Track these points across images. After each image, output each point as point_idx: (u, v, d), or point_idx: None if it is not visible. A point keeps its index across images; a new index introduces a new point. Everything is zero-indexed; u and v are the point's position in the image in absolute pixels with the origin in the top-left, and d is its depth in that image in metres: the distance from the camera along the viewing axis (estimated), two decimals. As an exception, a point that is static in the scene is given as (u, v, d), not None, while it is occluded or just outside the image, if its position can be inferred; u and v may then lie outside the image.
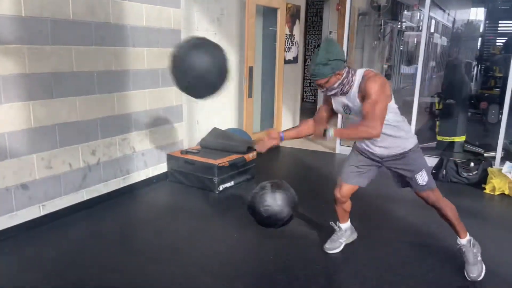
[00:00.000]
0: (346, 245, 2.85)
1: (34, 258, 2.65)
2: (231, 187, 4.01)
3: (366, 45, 10.29)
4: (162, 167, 4.16)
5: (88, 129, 3.34)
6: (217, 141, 4.35)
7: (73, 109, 3.19)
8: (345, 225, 2.82)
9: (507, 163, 4.12)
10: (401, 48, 12.94)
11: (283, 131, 2.51)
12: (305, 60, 9.63)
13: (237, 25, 4.98)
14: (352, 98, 2.23)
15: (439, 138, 5.57)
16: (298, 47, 6.51)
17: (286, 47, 6.12)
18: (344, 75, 2.18)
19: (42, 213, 3.08)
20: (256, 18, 5.09)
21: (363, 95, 2.15)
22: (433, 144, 5.62)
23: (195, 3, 4.28)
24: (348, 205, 2.74)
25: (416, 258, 2.74)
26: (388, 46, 12.23)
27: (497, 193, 3.99)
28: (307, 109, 8.30)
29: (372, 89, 2.10)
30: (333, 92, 2.24)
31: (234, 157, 4.07)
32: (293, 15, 6.15)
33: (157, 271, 2.52)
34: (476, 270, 2.45)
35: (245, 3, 4.76)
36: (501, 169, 4.11)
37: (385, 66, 11.97)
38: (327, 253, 2.76)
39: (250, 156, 4.23)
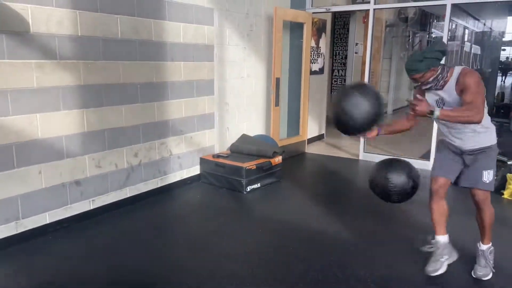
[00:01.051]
0: (356, 241, 3.11)
1: (85, 246, 3.07)
2: (258, 188, 4.35)
3: (394, 56, 10.46)
4: (195, 170, 4.55)
5: (132, 133, 3.77)
6: (246, 146, 4.70)
7: (120, 116, 3.63)
8: (443, 238, 2.70)
9: (525, 170, 4.24)
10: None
11: (380, 126, 2.65)
12: (332, 71, 9.92)
13: (265, 39, 5.35)
14: (449, 91, 2.41)
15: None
16: (324, 58, 6.80)
17: (312, 58, 6.44)
18: (439, 72, 2.38)
19: (92, 207, 3.52)
20: (284, 32, 5.45)
21: (462, 88, 2.33)
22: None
23: (227, 21, 4.69)
24: (444, 206, 2.68)
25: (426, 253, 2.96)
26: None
27: (515, 198, 4.12)
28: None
29: (472, 82, 2.29)
30: (428, 86, 2.43)
31: (261, 161, 4.41)
32: (319, 29, 6.46)
33: (189, 259, 2.88)
34: (484, 271, 2.64)
35: (273, 19, 5.13)
36: (519, 176, 4.23)
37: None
38: (356, 251, 2.98)
39: (276, 160, 4.55)
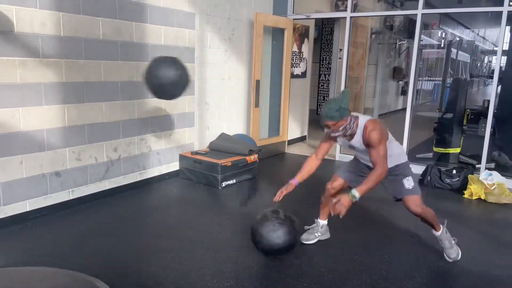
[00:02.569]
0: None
1: (63, 233, 3.27)
2: (233, 184, 4.57)
3: (380, 62, 10.74)
4: (174, 165, 4.77)
5: (112, 129, 3.98)
6: (224, 144, 4.93)
7: (100, 112, 3.85)
8: (323, 222, 3.23)
9: (485, 171, 4.49)
10: (419, 65, 13.21)
11: (295, 178, 2.90)
12: (319, 76, 10.17)
13: (247, 43, 5.59)
14: (357, 143, 2.71)
15: (435, 149, 5.95)
16: (306, 63, 7.05)
17: (295, 63, 6.68)
18: (348, 121, 2.62)
19: (71, 197, 3.73)
20: (266, 36, 5.69)
21: (367, 144, 2.64)
22: (430, 155, 6.01)
23: (208, 25, 4.92)
24: (329, 201, 2.92)
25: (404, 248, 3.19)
26: (404, 63, 12.61)
27: (474, 197, 4.36)
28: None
29: (375, 140, 2.59)
30: (337, 134, 2.66)
31: (236, 158, 4.63)
32: (301, 34, 6.72)
33: (161, 244, 3.09)
34: (454, 252, 2.91)
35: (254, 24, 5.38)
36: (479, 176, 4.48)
37: (401, 83, 12.35)
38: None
39: (252, 158, 4.78)
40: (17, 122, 3.24)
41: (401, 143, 5.49)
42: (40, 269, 2.13)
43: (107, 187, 4.03)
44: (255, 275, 2.69)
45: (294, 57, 6.65)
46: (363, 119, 2.68)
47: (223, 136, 5.13)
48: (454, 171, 4.62)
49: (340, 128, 2.62)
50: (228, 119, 5.46)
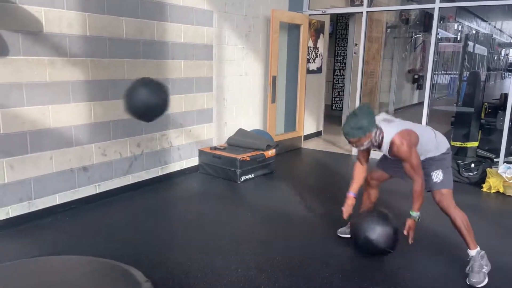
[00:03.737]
0: (337, 225, 3.41)
1: (91, 226, 3.41)
2: (251, 178, 4.66)
3: (396, 56, 10.69)
4: (194, 160, 4.88)
5: (135, 126, 4.11)
6: (242, 140, 5.02)
7: (123, 109, 3.97)
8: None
9: (504, 164, 4.49)
10: (435, 59, 13.10)
11: (350, 191, 2.94)
12: (334, 71, 10.18)
13: (264, 39, 5.66)
14: (385, 152, 2.66)
15: (452, 143, 5.94)
16: (322, 58, 7.09)
17: (310, 58, 6.73)
18: (372, 137, 2.54)
19: (98, 191, 3.87)
20: (282, 32, 5.75)
21: (397, 157, 2.60)
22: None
23: (226, 22, 5.01)
24: (374, 193, 3.11)
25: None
26: (420, 56, 12.52)
27: (493, 191, 4.37)
28: (336, 117, 8.83)
29: (404, 154, 2.53)
30: (362, 148, 2.63)
31: (254, 153, 4.72)
32: (317, 30, 6.75)
33: (183, 236, 3.21)
34: (477, 278, 2.59)
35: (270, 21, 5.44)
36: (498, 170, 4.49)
37: (417, 77, 12.27)
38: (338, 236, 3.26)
39: (269, 153, 4.86)
40: (47, 119, 3.38)
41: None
42: (75, 257, 2.24)
43: (131, 182, 4.17)
44: (277, 266, 2.78)
45: (310, 52, 6.70)
46: (389, 133, 2.58)
47: (241, 132, 5.23)
48: (473, 165, 4.63)
49: (365, 143, 2.56)
50: (245, 115, 5.55)
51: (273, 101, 5.71)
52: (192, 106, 4.73)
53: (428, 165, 2.73)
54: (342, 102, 9.74)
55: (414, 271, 2.78)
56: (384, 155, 2.94)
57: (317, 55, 6.93)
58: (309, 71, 6.72)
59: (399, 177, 2.92)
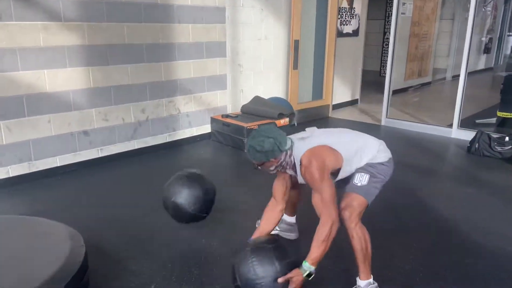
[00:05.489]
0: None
1: (90, 186, 3.51)
2: (260, 147, 4.51)
3: (457, 16, 9.61)
4: (206, 128, 4.82)
5: (138, 91, 4.11)
6: (256, 108, 4.84)
7: (125, 74, 3.97)
8: (290, 219, 2.67)
9: (546, 139, 3.87)
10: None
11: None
12: (384, 34, 9.42)
13: (286, 0, 5.32)
14: (299, 176, 2.10)
15: (498, 113, 5.27)
16: (359, 20, 6.55)
17: (344, 20, 6.25)
18: (281, 160, 2.01)
19: (100, 155, 3.96)
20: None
21: (306, 180, 2.04)
22: (493, 120, 5.35)
23: (240, -18, 4.75)
24: (295, 195, 2.47)
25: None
26: (491, 16, 11.14)
27: (529, 169, 3.82)
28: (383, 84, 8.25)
29: (311, 179, 1.98)
30: (273, 172, 2.08)
31: (265, 121, 4.53)
32: (353, -12, 6.22)
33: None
34: None
35: (292, -21, 5.08)
36: (539, 145, 3.88)
37: (484, 39, 10.98)
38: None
39: (282, 122, 4.64)
40: (43, 84, 3.47)
41: (453, 110, 4.96)
42: (30, 218, 2.30)
43: (136, 147, 4.22)
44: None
45: (344, 14, 6.21)
46: (299, 152, 2.02)
47: (256, 99, 5.04)
48: (507, 138, 4.06)
49: (271, 168, 2.03)
50: (264, 82, 5.33)
51: (295, 67, 5.41)
52: (203, 72, 4.62)
53: (357, 170, 2.13)
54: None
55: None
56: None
57: (353, 16, 6.41)
58: (342, 34, 6.26)
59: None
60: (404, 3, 7.84)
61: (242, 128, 4.38)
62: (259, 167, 2.04)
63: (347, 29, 6.36)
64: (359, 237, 2.00)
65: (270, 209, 2.31)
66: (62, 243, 1.99)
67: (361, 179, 2.07)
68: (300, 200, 2.54)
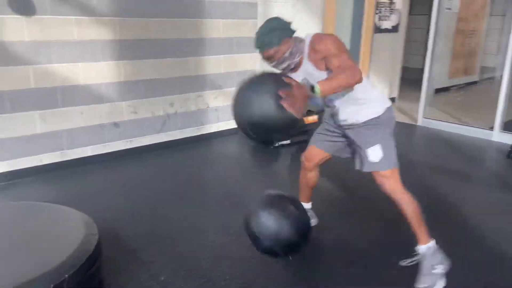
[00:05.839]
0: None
1: (120, 176, 3.64)
2: (287, 144, 4.46)
3: (509, 12, 9.02)
4: (234, 123, 4.82)
5: (167, 85, 4.18)
6: (285, 104, 4.79)
7: (155, 68, 4.06)
8: (306, 205, 2.54)
9: None
10: None
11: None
12: (428, 30, 9.00)
13: (321, -5, 5.21)
14: (308, 69, 2.01)
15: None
16: (399, 15, 6.30)
17: (383, 15, 6.04)
18: (292, 44, 1.98)
19: (129, 146, 4.08)
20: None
21: (320, 57, 1.94)
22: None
23: (273, -24, 4.70)
24: (312, 178, 2.48)
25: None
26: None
27: None
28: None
29: (328, 45, 1.91)
30: (285, 65, 2.01)
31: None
32: (393, -18, 5.98)
33: (207, 196, 3.27)
34: (425, 281, 2.04)
35: (328, -27, 4.96)
36: None
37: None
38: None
39: (310, 119, 4.56)
40: (76, 76, 3.61)
41: (495, 108, 4.67)
42: (50, 205, 2.39)
43: (164, 140, 4.30)
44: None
45: (383, 8, 6.00)
46: (309, 36, 2.00)
47: (286, 95, 4.98)
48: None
49: (287, 54, 1.96)
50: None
51: (328, 63, 5.29)
52: (233, 67, 4.63)
53: (359, 137, 2.10)
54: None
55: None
56: (321, 129, 2.36)
57: (392, 12, 6.17)
58: (380, 30, 6.05)
59: (343, 155, 2.34)
60: (449, -3, 7.47)
61: (269, 124, 4.35)
62: (270, 61, 2.00)
63: (386, 24, 6.14)
64: (409, 204, 2.05)
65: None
66: (76, 231, 2.06)
67: (375, 154, 2.04)
68: (315, 185, 2.55)
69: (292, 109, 1.72)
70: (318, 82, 1.80)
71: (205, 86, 4.47)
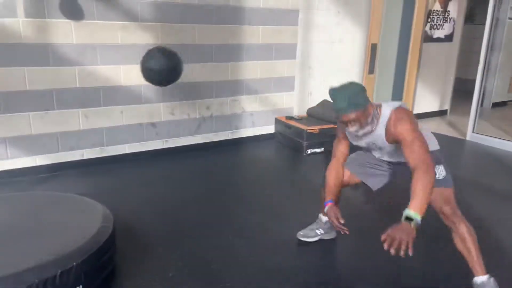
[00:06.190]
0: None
1: (150, 176, 3.79)
2: (320, 152, 4.41)
3: None
4: (270, 128, 4.86)
5: (204, 89, 4.31)
6: (321, 111, 4.74)
7: (193, 72, 4.19)
8: (326, 218, 2.50)
9: None
10: None
11: (328, 199, 2.28)
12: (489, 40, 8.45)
13: (367, 2, 5.10)
14: (378, 138, 2.09)
15: None
16: (454, 24, 6.00)
17: (436, 24, 5.78)
18: (370, 111, 2.02)
19: (165, 146, 4.25)
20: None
21: (395, 139, 2.01)
22: None
23: (316, -16, 4.69)
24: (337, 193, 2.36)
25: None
26: None
27: None
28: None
29: (404, 132, 1.94)
30: (365, 130, 2.04)
31: (328, 126, 4.42)
32: (448, -10, 5.72)
33: (229, 198, 3.33)
34: None
35: (374, -20, 4.86)
36: None
37: None
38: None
39: (346, 128, 4.47)
40: (118, 78, 3.84)
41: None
42: (73, 196, 2.56)
43: (199, 141, 4.43)
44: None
45: (436, 17, 5.75)
46: (386, 109, 2.03)
47: (323, 103, 4.92)
48: None
49: (369, 120, 2.00)
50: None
51: (371, 71, 5.17)
52: (270, 73, 4.66)
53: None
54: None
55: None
56: (358, 153, 2.40)
57: (446, 20, 5.89)
58: (432, 39, 5.80)
59: (373, 185, 2.36)
60: (513, 6, 6.98)
61: (302, 131, 4.33)
62: (352, 124, 1.99)
63: (439, 33, 5.87)
64: (468, 229, 1.99)
65: (334, 167, 2.30)
66: (92, 223, 2.19)
67: (439, 172, 2.04)
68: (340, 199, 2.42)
69: (401, 251, 1.69)
70: (410, 208, 1.79)
71: (241, 90, 4.54)
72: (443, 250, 2.51)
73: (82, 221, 2.24)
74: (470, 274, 2.05)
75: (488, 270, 2.04)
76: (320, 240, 2.63)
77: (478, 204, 3.25)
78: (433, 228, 2.34)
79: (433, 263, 2.44)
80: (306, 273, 2.34)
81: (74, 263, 1.90)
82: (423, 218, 1.79)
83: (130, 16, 3.76)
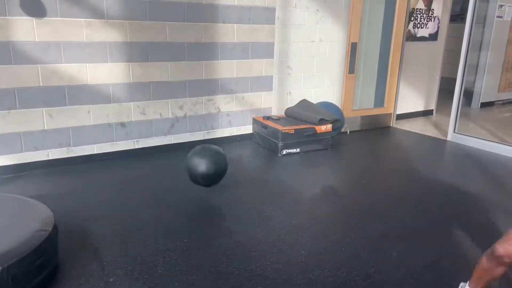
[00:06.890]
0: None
1: (117, 177, 3.69)
2: (296, 153, 4.30)
3: None
4: (248, 128, 4.76)
5: (177, 88, 4.21)
6: (299, 111, 4.64)
7: (165, 71, 4.10)
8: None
9: None
10: None
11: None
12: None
13: (347, 0, 5.00)
14: None
15: None
16: (438, 23, 5.90)
17: (419, 22, 5.68)
18: None
19: (136, 146, 4.15)
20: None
21: None
22: None
23: (293, -19, 4.59)
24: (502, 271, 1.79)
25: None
26: None
27: None
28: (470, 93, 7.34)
29: None
30: None
31: (303, 126, 4.32)
32: (431, -12, 5.62)
33: (190, 201, 3.23)
34: None
35: (353, -23, 4.76)
36: None
37: None
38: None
39: (323, 128, 4.37)
40: (84, 76, 3.74)
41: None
42: (19, 198, 2.45)
43: (173, 142, 4.33)
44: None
45: (419, 16, 5.65)
46: None
47: (302, 103, 4.83)
48: None
49: None
50: (317, 86, 5.08)
51: (351, 71, 5.07)
52: (246, 73, 4.57)
53: None
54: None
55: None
56: None
57: (430, 19, 5.79)
58: (416, 38, 5.70)
59: None
60: (501, 5, 6.88)
61: (277, 131, 4.23)
62: None
63: (423, 32, 5.77)
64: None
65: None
66: (30, 226, 2.10)
67: None
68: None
69: None
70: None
71: (217, 90, 4.44)
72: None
73: (20, 224, 2.14)
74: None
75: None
76: (286, 236, 2.53)
77: (450, 206, 3.15)
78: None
79: None
80: (259, 276, 2.24)
81: (3, 266, 1.80)
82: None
83: (96, 12, 3.66)
